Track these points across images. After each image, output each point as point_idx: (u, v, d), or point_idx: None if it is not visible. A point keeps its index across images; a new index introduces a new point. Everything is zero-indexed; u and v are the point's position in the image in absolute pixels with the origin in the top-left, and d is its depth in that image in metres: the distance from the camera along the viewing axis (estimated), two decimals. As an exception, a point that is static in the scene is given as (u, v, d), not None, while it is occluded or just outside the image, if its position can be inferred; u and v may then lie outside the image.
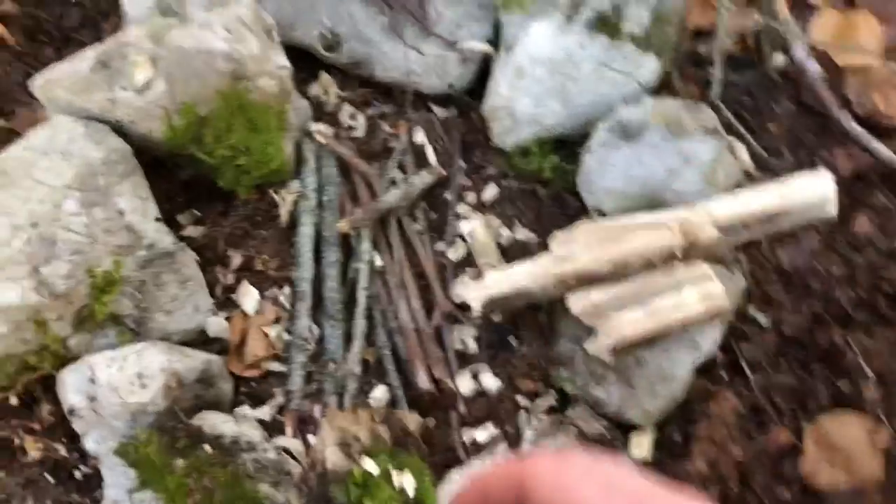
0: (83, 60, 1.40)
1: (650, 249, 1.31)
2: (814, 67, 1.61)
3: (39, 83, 1.43)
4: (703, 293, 1.30)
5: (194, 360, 1.35)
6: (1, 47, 1.61)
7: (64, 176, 1.33)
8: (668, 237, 1.31)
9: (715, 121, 1.45)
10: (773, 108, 1.66)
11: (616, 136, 1.45)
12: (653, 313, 1.29)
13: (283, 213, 1.54)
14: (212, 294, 1.51)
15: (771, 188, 1.35)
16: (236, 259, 1.53)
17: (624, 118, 1.46)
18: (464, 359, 1.48)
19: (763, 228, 1.35)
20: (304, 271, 1.50)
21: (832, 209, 1.33)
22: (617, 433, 1.38)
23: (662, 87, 1.60)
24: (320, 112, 1.64)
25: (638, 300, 1.30)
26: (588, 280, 1.34)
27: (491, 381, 1.46)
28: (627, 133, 1.44)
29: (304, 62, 1.67)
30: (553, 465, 0.46)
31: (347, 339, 1.47)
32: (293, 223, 1.54)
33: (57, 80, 1.42)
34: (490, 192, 1.57)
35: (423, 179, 1.55)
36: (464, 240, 1.55)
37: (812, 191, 1.33)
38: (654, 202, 1.42)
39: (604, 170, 1.45)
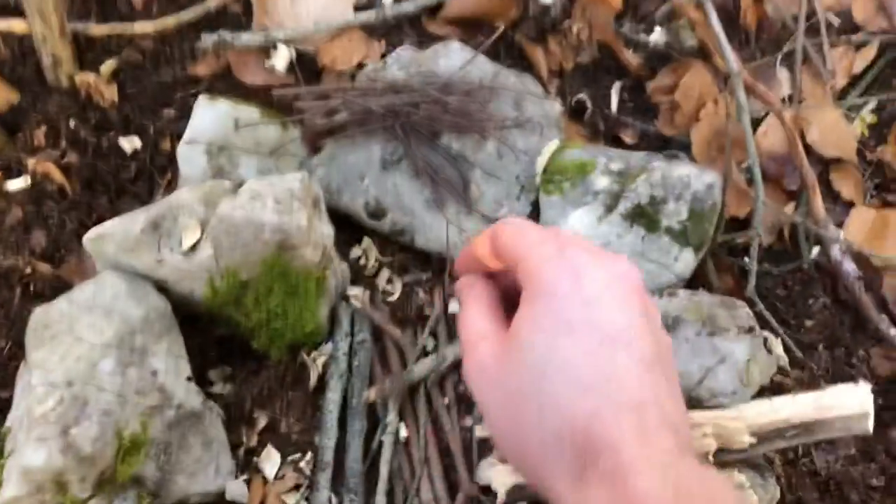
0: (135, 221, 1.45)
1: (682, 452, 1.29)
2: (850, 267, 1.62)
3: (91, 236, 1.48)
4: (735, 503, 1.26)
5: (210, 532, 1.32)
6: (60, 196, 1.67)
7: (104, 334, 1.35)
8: (702, 441, 1.29)
9: (751, 318, 1.45)
10: (808, 303, 1.67)
11: (651, 327, 1.45)
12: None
13: (313, 376, 1.55)
14: (234, 455, 1.50)
15: (807, 397, 1.33)
16: (262, 420, 1.53)
17: (659, 311, 1.46)
18: (484, 545, 1.44)
19: (798, 438, 1.32)
20: (328, 439, 1.49)
21: (869, 425, 1.30)
22: None
23: (697, 277, 1.62)
24: (359, 275, 1.67)
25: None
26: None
27: (511, 573, 1.41)
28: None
29: (348, 226, 1.72)
30: (514, 226, 0.74)
31: (367, 515, 1.44)
32: (322, 387, 1.54)
33: (108, 236, 1.46)
34: (521, 370, 1.56)
35: (454, 351, 1.56)
36: (491, 417, 1.53)
37: (850, 403, 1.31)
38: (688, 399, 1.40)
39: (637, 361, 1.44)
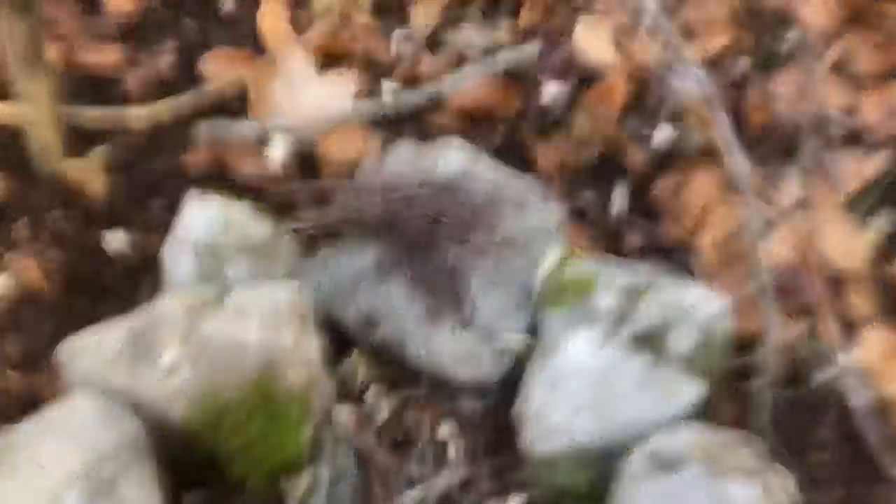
0: (113, 335, 1.38)
1: None
2: (860, 401, 1.55)
3: (66, 349, 1.41)
4: None
5: None
6: (39, 296, 1.61)
7: (71, 465, 1.27)
8: None
9: (758, 458, 1.37)
10: (817, 433, 1.59)
11: (653, 465, 1.37)
12: None
13: None
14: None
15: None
16: (238, 550, 1.44)
17: (663, 446, 1.38)
18: None
19: None
20: (309, 574, 1.40)
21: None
22: None
23: (704, 404, 1.54)
24: (345, 391, 1.60)
25: None
26: None
27: None
28: (665, 463, 1.36)
29: (337, 335, 1.64)
30: None
31: None
32: (303, 514, 1.46)
33: (84, 350, 1.39)
34: (514, 501, 1.49)
35: (443, 481, 1.47)
36: (483, 552, 1.45)
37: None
38: (691, 547, 1.33)
39: (639, 502, 1.36)
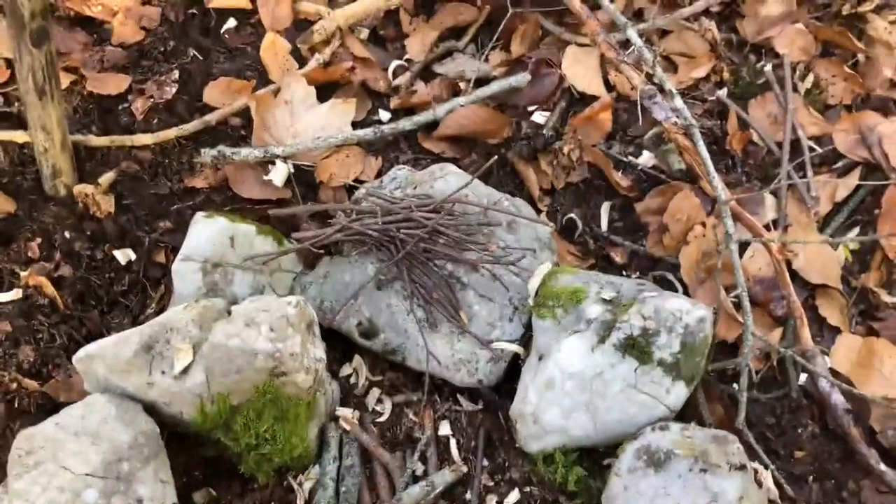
0: (127, 342, 1.44)
1: None
2: (838, 399, 1.63)
3: (81, 356, 1.47)
4: None
5: None
6: (51, 309, 1.67)
7: (90, 462, 1.33)
8: (696, 588, 1.27)
9: (742, 455, 1.45)
10: (797, 432, 1.67)
11: (643, 462, 1.44)
12: None
13: (300, 501, 1.52)
14: (216, 585, 1.45)
15: (801, 542, 1.32)
16: (246, 549, 1.49)
17: (652, 444, 1.46)
18: None
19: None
20: (314, 571, 1.45)
21: (865, 572, 1.29)
22: None
23: (688, 407, 1.62)
24: (349, 394, 1.67)
25: None
26: None
27: None
28: (654, 460, 1.44)
29: (339, 343, 1.72)
30: None
31: None
32: (308, 513, 1.51)
33: (98, 357, 1.45)
34: (512, 497, 1.55)
35: (444, 479, 1.54)
36: (481, 548, 1.51)
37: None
38: (680, 538, 1.39)
39: (630, 497, 1.43)
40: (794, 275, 1.87)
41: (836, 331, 1.84)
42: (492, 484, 1.57)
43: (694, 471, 1.42)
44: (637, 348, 1.51)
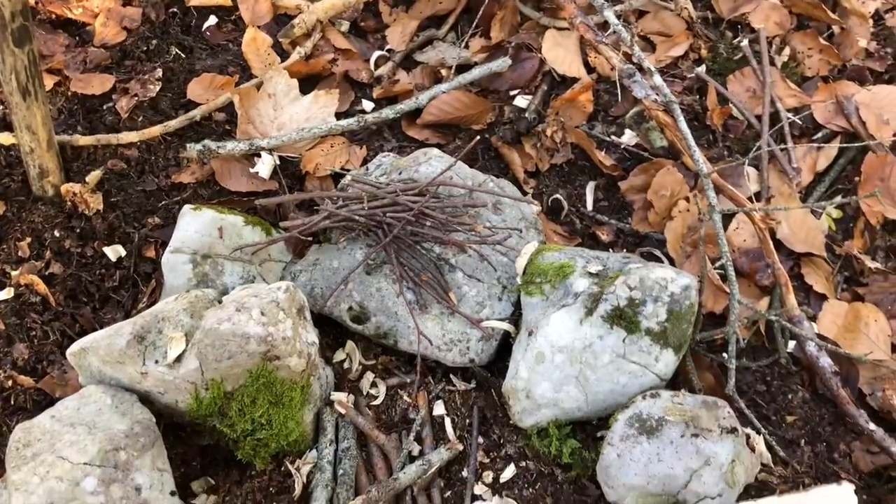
0: (120, 333, 1.45)
1: (672, 559, 1.29)
2: (827, 363, 1.65)
3: (74, 350, 1.48)
4: None
5: None
6: (43, 307, 1.68)
7: (87, 452, 1.34)
8: (691, 548, 1.28)
9: (733, 419, 1.47)
10: (788, 398, 1.69)
11: (635, 430, 1.46)
12: None
13: (298, 485, 1.53)
14: (217, 571, 1.46)
15: (792, 499, 1.34)
16: (246, 534, 1.50)
17: (643, 412, 1.48)
18: None
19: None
20: (315, 552, 1.46)
21: (856, 525, 1.31)
22: None
23: (678, 376, 1.64)
24: (343, 379, 1.68)
25: None
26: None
27: None
28: (647, 428, 1.46)
29: (331, 329, 1.73)
30: None
31: None
32: (307, 496, 1.52)
33: (92, 349, 1.46)
34: (508, 472, 1.56)
35: (440, 456, 1.55)
36: (479, 524, 1.52)
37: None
38: (675, 502, 1.41)
39: (624, 464, 1.44)
40: (779, 245, 1.89)
41: (823, 298, 1.86)
42: (487, 460, 1.58)
43: (686, 436, 1.44)
44: (624, 318, 1.53)
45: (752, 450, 1.56)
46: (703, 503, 1.40)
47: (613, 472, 1.46)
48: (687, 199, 1.98)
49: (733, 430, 1.45)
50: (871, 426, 1.59)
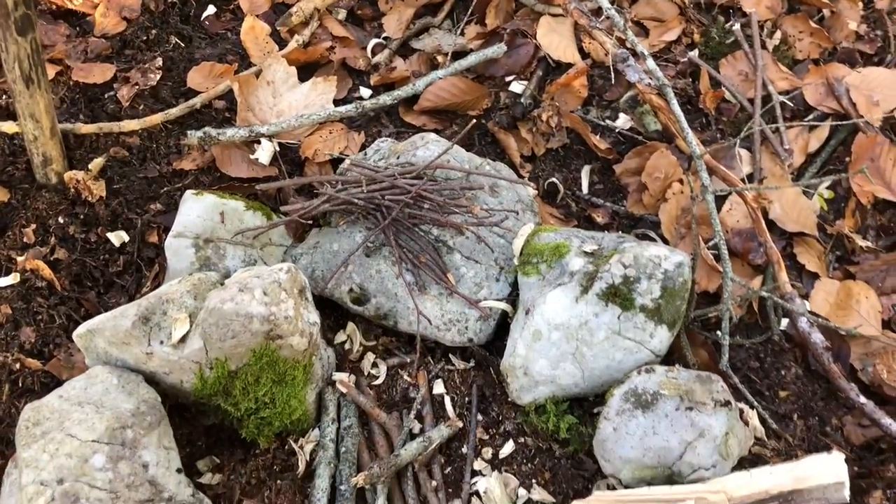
0: (125, 315, 1.48)
1: (667, 527, 1.32)
2: (818, 339, 1.68)
3: (80, 332, 1.51)
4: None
5: None
6: (49, 292, 1.71)
7: (95, 429, 1.37)
8: (685, 516, 1.32)
9: (726, 392, 1.50)
10: (781, 373, 1.72)
11: (631, 404, 1.49)
12: None
13: (301, 463, 1.56)
14: (224, 547, 1.50)
15: (785, 468, 1.37)
16: (251, 510, 1.53)
17: (638, 387, 1.51)
18: None
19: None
20: (319, 527, 1.49)
21: (845, 493, 1.35)
22: None
23: (673, 352, 1.67)
24: (344, 360, 1.71)
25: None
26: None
27: None
28: (642, 402, 1.49)
29: (333, 312, 1.76)
30: None
31: None
32: (310, 473, 1.56)
33: (98, 331, 1.49)
34: (507, 448, 1.60)
35: (440, 433, 1.58)
36: (479, 497, 1.55)
37: (825, 473, 1.36)
38: (670, 473, 1.45)
39: (620, 438, 1.48)
40: (772, 225, 1.93)
41: (815, 276, 1.89)
42: (487, 437, 1.62)
43: (680, 409, 1.47)
44: (619, 296, 1.56)
45: (746, 424, 1.60)
46: (697, 474, 1.43)
47: (610, 446, 1.49)
48: (681, 181, 2.01)
49: (727, 404, 1.49)
50: (862, 399, 1.62)
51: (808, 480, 1.35)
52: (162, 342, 1.48)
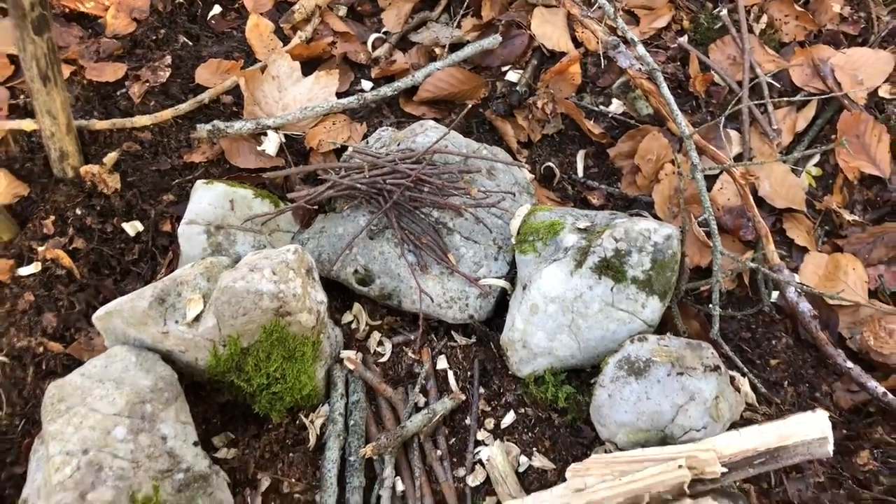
0: (142, 297, 1.56)
1: (661, 484, 1.39)
2: (806, 308, 1.75)
3: (100, 315, 1.59)
4: (712, 529, 1.36)
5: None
6: (69, 280, 1.79)
7: (116, 404, 1.45)
8: (678, 473, 1.39)
9: (716, 358, 1.57)
10: (772, 343, 1.79)
11: (625, 371, 1.56)
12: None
13: (312, 436, 1.64)
14: (240, 517, 1.57)
15: (771, 426, 1.44)
16: (265, 482, 1.61)
17: (631, 355, 1.58)
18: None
19: (766, 465, 1.42)
20: (329, 496, 1.57)
21: (829, 448, 1.41)
22: None
23: (665, 324, 1.74)
24: (351, 339, 1.79)
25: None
26: (601, 512, 1.40)
27: None
28: (635, 369, 1.56)
29: (340, 293, 1.84)
30: None
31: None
32: (320, 446, 1.63)
33: (116, 313, 1.57)
34: (508, 418, 1.67)
35: (444, 406, 1.66)
36: (483, 465, 1.63)
37: (810, 430, 1.42)
38: (663, 436, 1.51)
39: (615, 403, 1.55)
40: (762, 202, 1.99)
41: (804, 250, 1.95)
42: (489, 409, 1.69)
43: (671, 375, 1.54)
44: (611, 269, 1.63)
45: (738, 390, 1.66)
46: (688, 435, 1.50)
47: (605, 412, 1.56)
48: (672, 161, 2.08)
49: (716, 369, 1.55)
50: (849, 364, 1.69)
51: (793, 437, 1.42)
52: (177, 321, 1.56)
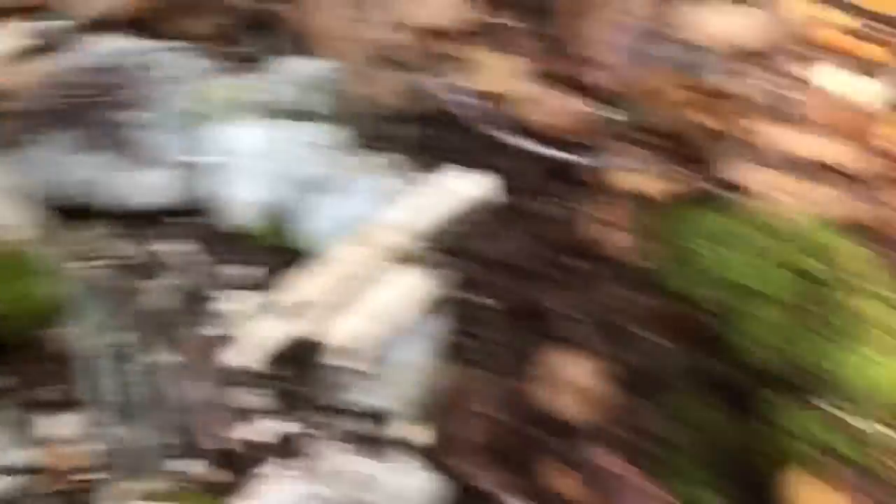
0: None
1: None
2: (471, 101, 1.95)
3: None
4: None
5: None
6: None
7: None
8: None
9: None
10: (451, 139, 1.94)
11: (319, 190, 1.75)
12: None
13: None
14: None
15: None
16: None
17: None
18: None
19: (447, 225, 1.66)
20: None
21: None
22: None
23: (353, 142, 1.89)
24: (83, 254, 1.82)
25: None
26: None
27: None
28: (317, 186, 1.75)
29: (65, 211, 1.83)
30: None
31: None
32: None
33: None
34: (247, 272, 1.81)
35: (186, 281, 1.78)
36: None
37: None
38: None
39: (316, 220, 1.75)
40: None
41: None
42: (222, 260, 1.82)
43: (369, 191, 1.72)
44: (298, 113, 1.78)
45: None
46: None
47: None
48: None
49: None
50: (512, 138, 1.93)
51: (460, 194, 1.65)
52: None
